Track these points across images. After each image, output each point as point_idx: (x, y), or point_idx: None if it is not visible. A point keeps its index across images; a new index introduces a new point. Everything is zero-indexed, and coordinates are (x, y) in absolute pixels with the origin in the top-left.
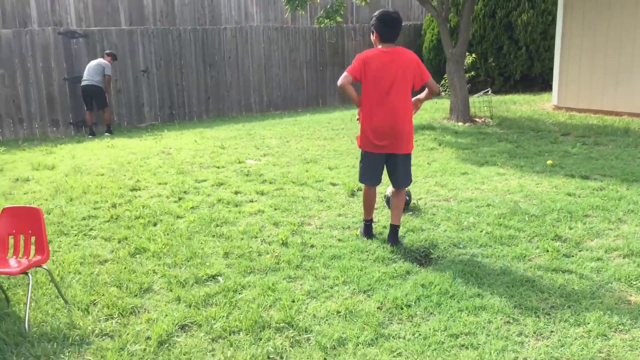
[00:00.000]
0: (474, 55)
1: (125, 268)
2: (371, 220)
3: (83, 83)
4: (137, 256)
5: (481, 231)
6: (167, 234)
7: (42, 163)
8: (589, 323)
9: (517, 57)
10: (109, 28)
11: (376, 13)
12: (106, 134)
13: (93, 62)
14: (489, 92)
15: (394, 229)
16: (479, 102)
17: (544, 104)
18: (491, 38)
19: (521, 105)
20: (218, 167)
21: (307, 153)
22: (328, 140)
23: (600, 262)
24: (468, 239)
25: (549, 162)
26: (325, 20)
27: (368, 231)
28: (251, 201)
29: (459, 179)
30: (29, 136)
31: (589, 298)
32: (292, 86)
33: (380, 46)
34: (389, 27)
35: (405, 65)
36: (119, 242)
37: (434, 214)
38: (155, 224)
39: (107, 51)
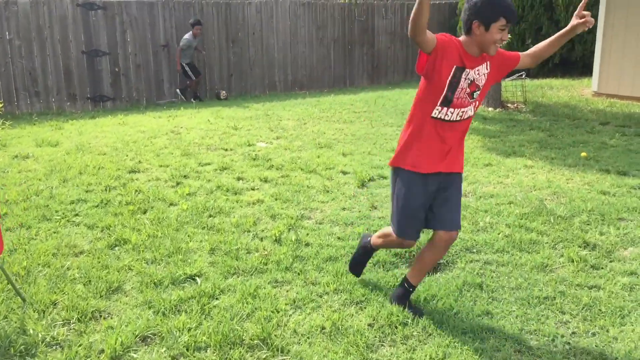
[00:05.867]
0: (510, 36)
1: (99, 262)
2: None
3: None
4: (116, 248)
5: (499, 233)
6: (155, 224)
7: (47, 139)
8: (617, 358)
9: None
10: (129, 0)
11: None
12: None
13: None
14: (523, 76)
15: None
16: (512, 87)
17: (583, 90)
18: (530, 18)
19: (558, 90)
20: (226, 150)
21: (322, 137)
22: (347, 124)
23: (635, 277)
24: (483, 242)
25: (583, 154)
26: None
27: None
28: (252, 189)
29: (481, 171)
30: (45, 110)
31: (618, 324)
32: (319, 65)
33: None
34: None
35: None
36: (102, 230)
37: None
38: (145, 212)
39: (191, 21)
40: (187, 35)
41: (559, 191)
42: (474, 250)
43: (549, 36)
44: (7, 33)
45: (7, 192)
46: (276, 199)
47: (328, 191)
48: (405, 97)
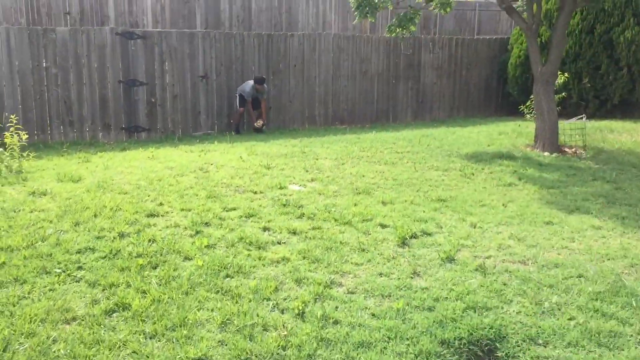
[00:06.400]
0: (566, 74)
1: (90, 335)
2: None
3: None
4: (114, 315)
5: (570, 319)
6: (163, 284)
7: (69, 174)
8: None
9: (617, 79)
10: (169, 30)
11: None
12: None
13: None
14: (584, 119)
15: None
16: (569, 129)
17: None
18: (588, 56)
19: (620, 134)
20: (255, 193)
21: (361, 180)
22: (389, 165)
23: None
24: (551, 331)
25: None
26: (397, 30)
27: None
28: (278, 243)
29: (542, 230)
30: (78, 140)
31: None
32: (361, 99)
33: None
34: None
35: None
36: (103, 290)
37: (505, 284)
38: (155, 267)
39: (256, 77)
40: (248, 88)
41: (637, 263)
42: (540, 342)
43: (608, 75)
44: (44, 61)
45: (12, 237)
46: (304, 258)
47: (364, 249)
48: (452, 137)
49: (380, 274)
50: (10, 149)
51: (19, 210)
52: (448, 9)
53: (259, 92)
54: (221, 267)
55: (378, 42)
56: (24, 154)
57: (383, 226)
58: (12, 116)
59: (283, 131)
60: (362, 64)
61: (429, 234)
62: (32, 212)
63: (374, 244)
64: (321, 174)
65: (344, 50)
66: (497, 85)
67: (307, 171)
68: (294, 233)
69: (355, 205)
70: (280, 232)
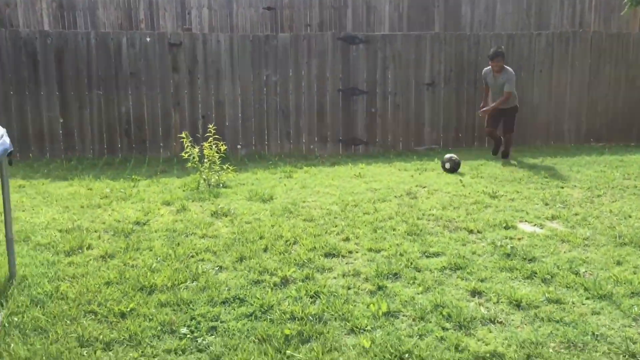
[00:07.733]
0: None
1: None
2: None
3: None
4: None
5: None
6: None
7: (262, 192)
8: None
9: None
10: (394, 33)
11: None
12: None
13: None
14: None
15: None
16: None
17: None
18: None
19: None
20: (470, 232)
21: (625, 223)
22: None
23: None
24: None
25: None
26: None
27: None
28: (491, 321)
29: None
30: (294, 152)
31: None
32: (626, 111)
33: None
34: None
35: None
36: None
37: None
38: (305, 341)
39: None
40: (484, 72)
41: None
42: None
43: None
44: (264, 69)
45: (161, 271)
46: (528, 358)
47: (634, 355)
48: None
49: None
50: (211, 161)
51: (189, 235)
52: None
53: (499, 74)
54: (395, 357)
55: None
56: (224, 167)
57: None
58: (210, 126)
59: (521, 148)
60: (630, 69)
61: None
62: (202, 237)
63: None
64: (566, 209)
65: (605, 52)
66: None
67: (546, 204)
68: (518, 306)
69: (617, 264)
70: (497, 302)
